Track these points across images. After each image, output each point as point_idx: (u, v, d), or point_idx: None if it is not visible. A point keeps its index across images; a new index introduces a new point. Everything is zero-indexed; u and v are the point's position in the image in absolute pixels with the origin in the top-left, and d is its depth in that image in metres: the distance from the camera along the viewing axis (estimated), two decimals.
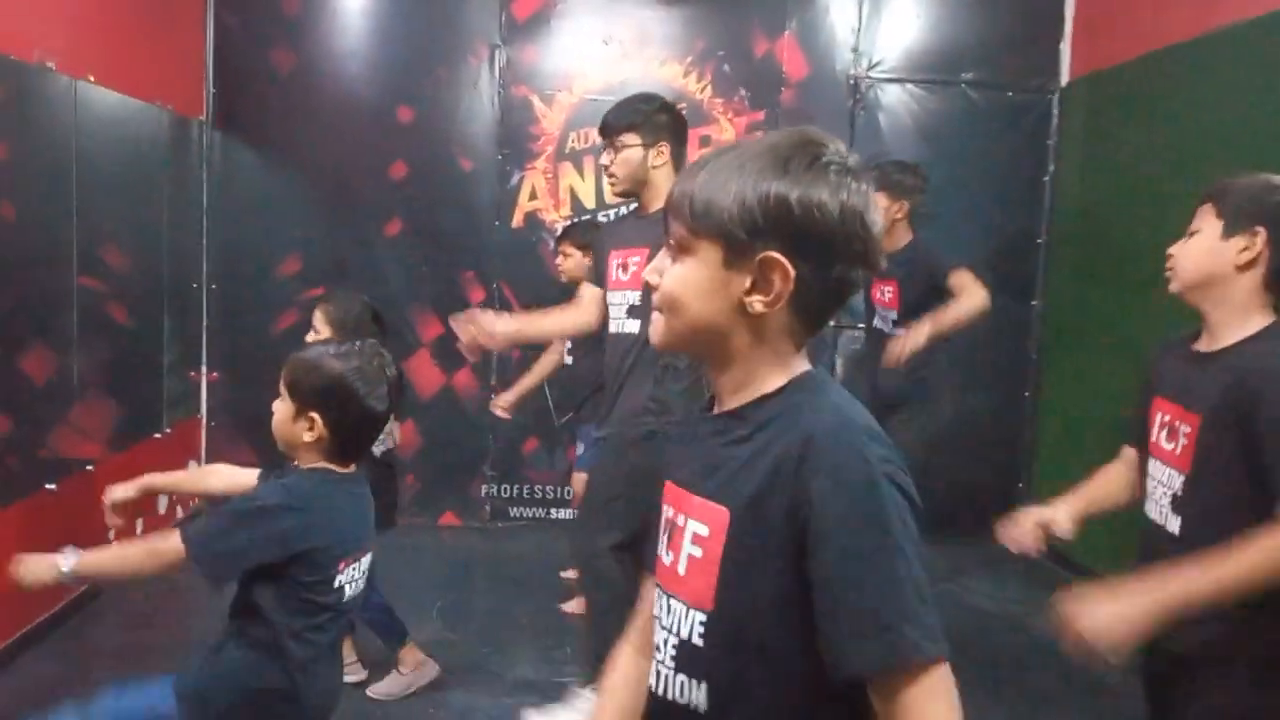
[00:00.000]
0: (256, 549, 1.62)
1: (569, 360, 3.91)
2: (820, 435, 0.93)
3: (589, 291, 2.93)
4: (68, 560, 1.69)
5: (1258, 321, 1.65)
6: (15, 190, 3.41)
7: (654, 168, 2.74)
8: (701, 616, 0.99)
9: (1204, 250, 1.68)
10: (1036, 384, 5.00)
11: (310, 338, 2.91)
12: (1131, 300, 4.03)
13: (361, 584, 1.80)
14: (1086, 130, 4.72)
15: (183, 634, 3.40)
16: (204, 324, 4.81)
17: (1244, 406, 1.56)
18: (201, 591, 2.85)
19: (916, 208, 3.73)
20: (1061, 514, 1.84)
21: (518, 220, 4.91)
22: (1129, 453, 1.90)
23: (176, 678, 1.73)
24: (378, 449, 3.06)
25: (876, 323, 3.92)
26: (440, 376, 4.94)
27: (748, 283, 0.96)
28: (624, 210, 4.13)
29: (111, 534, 3.90)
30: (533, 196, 4.91)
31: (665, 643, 1.03)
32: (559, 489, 4.91)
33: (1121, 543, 1.84)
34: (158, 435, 4.29)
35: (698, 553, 0.99)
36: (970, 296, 3.48)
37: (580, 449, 3.94)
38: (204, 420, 4.88)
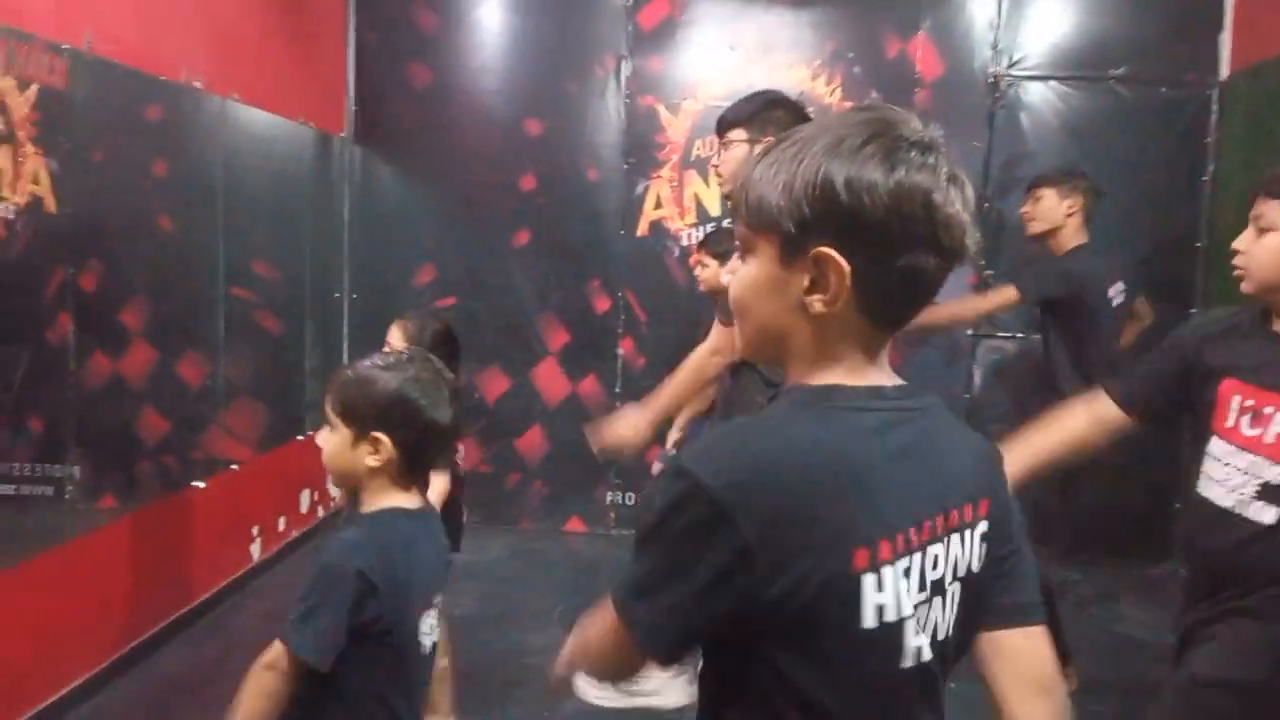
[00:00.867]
0: (347, 615, 1.47)
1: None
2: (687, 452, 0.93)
3: (716, 336, 2.84)
4: None
5: None
6: (173, 205, 3.62)
7: None
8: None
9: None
10: None
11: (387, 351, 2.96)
12: None
13: (437, 634, 1.65)
14: (1248, 127, 4.39)
15: None
16: (344, 331, 4.99)
17: None
18: None
19: (1089, 209, 3.46)
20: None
21: (643, 229, 4.91)
22: (1101, 409, 1.87)
23: None
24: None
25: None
26: (567, 384, 4.98)
27: (806, 281, 0.88)
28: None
29: (256, 532, 4.09)
30: (658, 205, 4.90)
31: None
32: None
33: None
34: (300, 438, 4.47)
35: None
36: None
37: None
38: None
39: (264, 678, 1.49)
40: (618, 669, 0.97)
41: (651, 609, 0.87)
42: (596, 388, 4.97)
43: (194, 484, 3.57)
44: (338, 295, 4.92)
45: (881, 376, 0.94)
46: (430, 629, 1.61)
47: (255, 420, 4.10)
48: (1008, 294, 3.42)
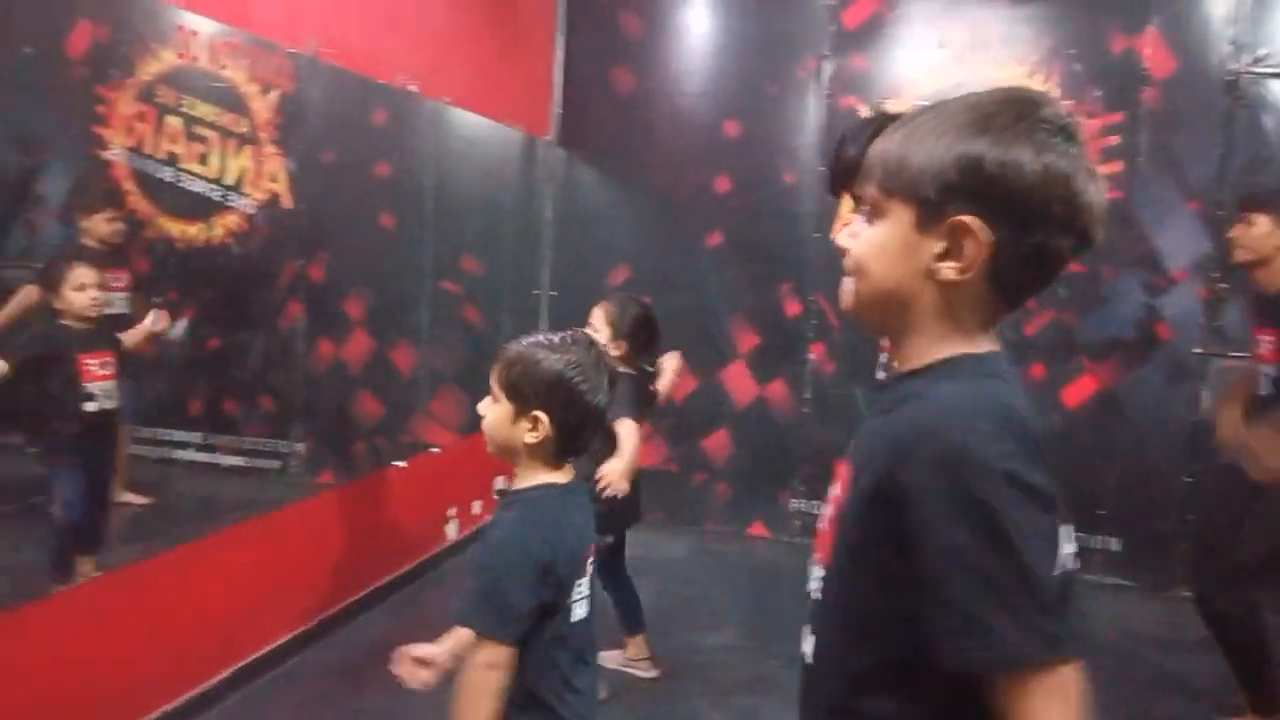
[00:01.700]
0: (532, 591, 1.51)
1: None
2: (925, 425, 0.86)
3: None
4: None
5: None
6: (391, 203, 3.87)
7: None
8: (821, 571, 0.99)
9: None
10: None
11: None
12: None
13: (587, 598, 1.66)
14: None
15: None
16: (542, 327, 5.18)
17: None
18: None
19: None
20: None
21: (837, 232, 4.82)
22: None
23: None
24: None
25: (1263, 386, 3.12)
26: (755, 387, 4.96)
27: (939, 248, 0.90)
28: None
29: (453, 513, 4.30)
30: (854, 209, 4.80)
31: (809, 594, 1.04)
32: None
33: None
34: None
35: (829, 510, 1.00)
36: None
37: None
38: None
39: (488, 678, 1.50)
40: None
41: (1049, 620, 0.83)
42: (785, 392, 4.93)
43: (396, 463, 3.79)
44: (537, 292, 5.11)
45: (991, 346, 0.96)
46: (582, 594, 1.64)
47: (456, 407, 4.31)
48: None
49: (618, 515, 2.95)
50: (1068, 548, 0.86)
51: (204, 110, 4.12)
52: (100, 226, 3.37)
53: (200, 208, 4.18)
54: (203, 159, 4.18)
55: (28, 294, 3.19)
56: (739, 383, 4.99)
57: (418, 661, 1.66)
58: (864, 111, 4.73)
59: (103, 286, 2.83)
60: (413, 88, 3.70)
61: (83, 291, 2.75)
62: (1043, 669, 0.82)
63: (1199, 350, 4.35)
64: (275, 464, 4.15)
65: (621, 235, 5.10)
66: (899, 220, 0.92)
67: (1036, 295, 0.95)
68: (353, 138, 3.93)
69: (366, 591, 3.67)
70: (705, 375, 4.97)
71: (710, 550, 4.71)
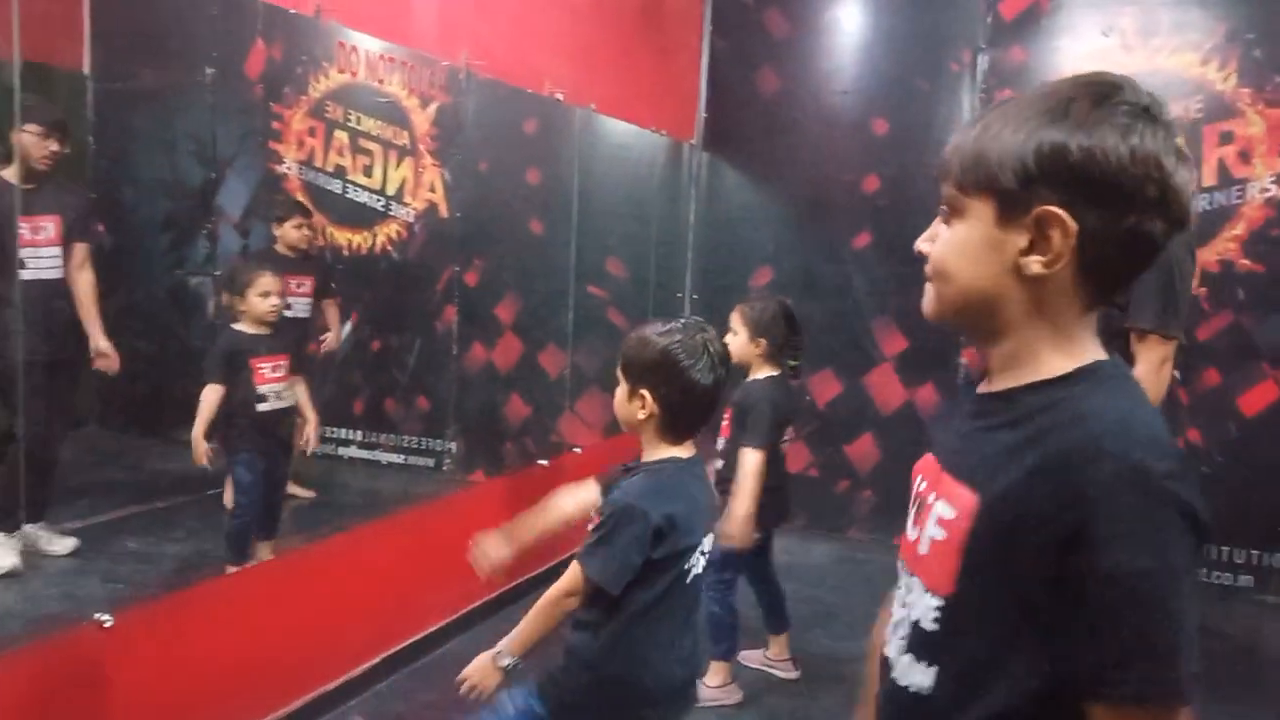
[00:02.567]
0: (640, 549, 1.66)
1: None
2: (1102, 439, 0.81)
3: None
4: (503, 657, 1.76)
5: None
6: (540, 210, 3.98)
7: None
8: (938, 601, 0.92)
9: None
10: None
11: (728, 338, 3.01)
12: None
13: (699, 567, 1.80)
14: None
15: None
16: None
17: None
18: None
19: None
20: None
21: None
22: None
23: (540, 670, 1.80)
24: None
25: None
26: (903, 392, 4.85)
27: (1024, 242, 0.86)
28: None
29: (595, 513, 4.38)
30: None
31: (902, 620, 0.97)
32: None
33: None
34: None
35: (940, 535, 0.92)
36: None
37: None
38: None
39: (564, 603, 1.73)
40: None
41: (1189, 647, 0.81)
42: (934, 397, 4.79)
43: (539, 462, 3.89)
44: (680, 295, 5.15)
45: (1098, 350, 0.90)
46: (696, 562, 1.78)
47: (600, 408, 4.40)
48: None
49: (765, 512, 2.95)
50: None
51: (368, 124, 4.36)
52: (290, 233, 3.61)
53: (364, 217, 4.42)
54: (367, 171, 4.42)
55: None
56: (885, 387, 4.88)
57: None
58: None
59: (283, 293, 3.01)
60: (560, 96, 3.80)
61: (265, 298, 2.93)
62: (1177, 707, 0.80)
63: None
64: (429, 461, 4.34)
65: (765, 237, 5.08)
66: (979, 217, 0.88)
67: (1130, 283, 0.90)
68: (504, 147, 4.07)
69: (512, 585, 3.78)
70: (849, 379, 4.89)
71: (853, 558, 4.63)
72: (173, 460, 4.30)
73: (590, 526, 1.74)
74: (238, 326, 2.98)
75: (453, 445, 4.18)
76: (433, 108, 4.17)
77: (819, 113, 4.93)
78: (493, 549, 1.88)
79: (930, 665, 0.93)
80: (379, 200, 4.41)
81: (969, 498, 0.89)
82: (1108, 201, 0.83)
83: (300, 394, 3.15)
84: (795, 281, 4.90)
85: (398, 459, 4.43)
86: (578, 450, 4.17)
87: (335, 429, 4.53)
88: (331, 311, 4.01)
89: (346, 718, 2.88)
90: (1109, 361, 0.90)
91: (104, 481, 3.75)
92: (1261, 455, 4.11)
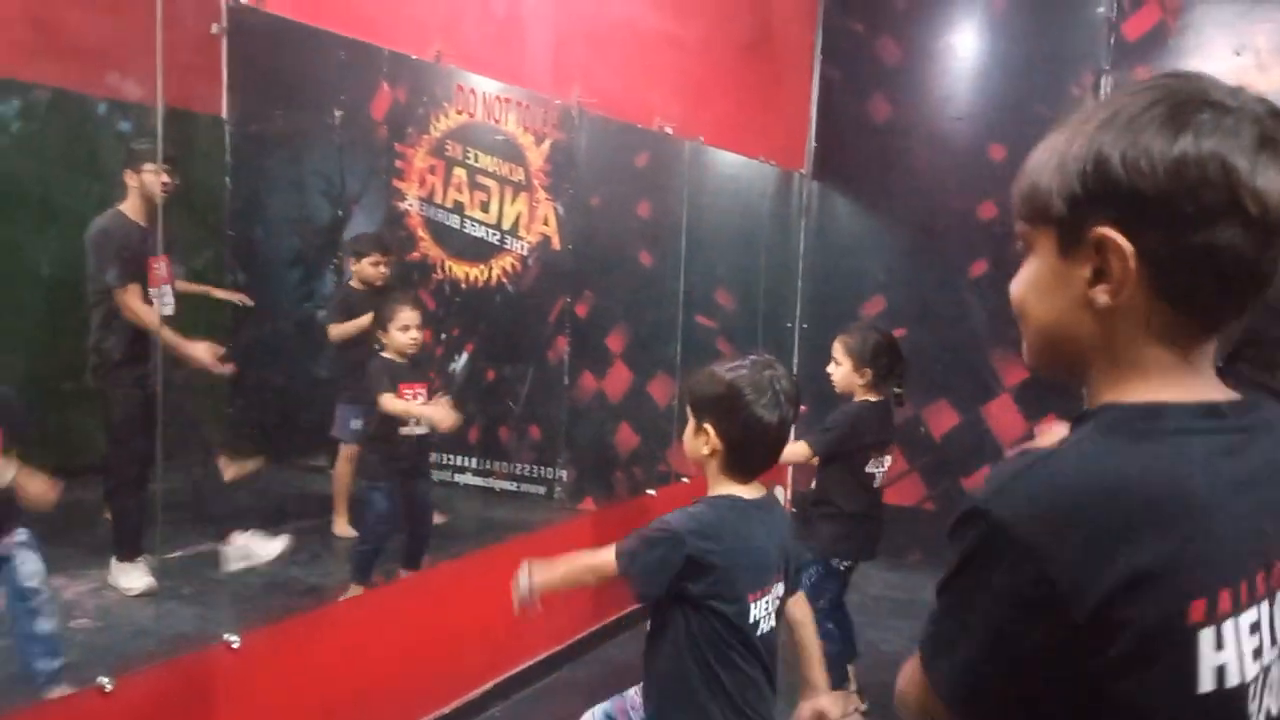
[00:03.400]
0: (667, 568, 1.63)
1: None
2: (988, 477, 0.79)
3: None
4: (525, 579, 1.80)
5: None
6: (650, 242, 4.03)
7: None
8: None
9: None
10: None
11: (830, 368, 3.00)
12: None
13: (774, 620, 1.74)
14: None
15: None
16: (794, 360, 5.17)
17: None
18: None
19: None
20: None
21: None
22: None
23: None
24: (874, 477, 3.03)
25: None
26: (1024, 423, 4.69)
27: (1088, 271, 0.76)
28: None
29: None
30: None
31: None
32: None
33: None
34: None
35: None
36: None
37: None
38: None
39: (585, 576, 1.84)
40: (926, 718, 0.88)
41: (952, 662, 0.79)
42: (1060, 429, 4.61)
43: (648, 491, 3.91)
44: (789, 325, 5.11)
45: (1209, 387, 0.79)
46: (765, 614, 1.71)
47: None
48: None
49: (850, 542, 2.93)
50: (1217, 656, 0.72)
51: (486, 161, 4.50)
52: (366, 269, 3.74)
53: (481, 251, 4.55)
54: (484, 206, 4.56)
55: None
56: (1005, 418, 4.73)
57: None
58: None
59: (421, 327, 3.13)
60: (669, 130, 3.85)
61: (405, 331, 3.07)
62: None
63: None
64: (541, 489, 4.41)
65: (876, 266, 5.01)
66: (1044, 250, 0.81)
67: (1239, 305, 0.77)
68: (615, 180, 4.14)
69: (619, 615, 3.80)
70: (966, 410, 4.76)
71: None
72: (299, 485, 4.50)
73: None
74: (384, 355, 3.12)
75: (563, 474, 4.24)
76: (547, 144, 4.28)
77: (932, 140, 4.86)
78: (532, 576, 1.83)
79: None
80: (495, 234, 4.54)
81: None
82: (1162, 217, 0.73)
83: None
84: (908, 311, 4.82)
85: (510, 486, 4.51)
86: (685, 480, 4.17)
87: (451, 456, 4.66)
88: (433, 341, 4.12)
89: None
90: (1126, 407, 0.78)
91: (235, 506, 3.93)
92: None
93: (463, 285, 4.65)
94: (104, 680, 1.90)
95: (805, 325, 5.17)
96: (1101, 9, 4.48)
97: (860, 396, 3.00)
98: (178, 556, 3.37)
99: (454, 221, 4.63)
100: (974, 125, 4.77)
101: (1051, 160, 0.79)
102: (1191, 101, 0.74)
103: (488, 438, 4.65)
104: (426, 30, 2.77)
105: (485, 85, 3.88)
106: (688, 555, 1.62)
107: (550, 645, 3.41)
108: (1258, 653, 0.75)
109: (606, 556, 1.71)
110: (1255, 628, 0.74)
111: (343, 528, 3.81)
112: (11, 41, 3.71)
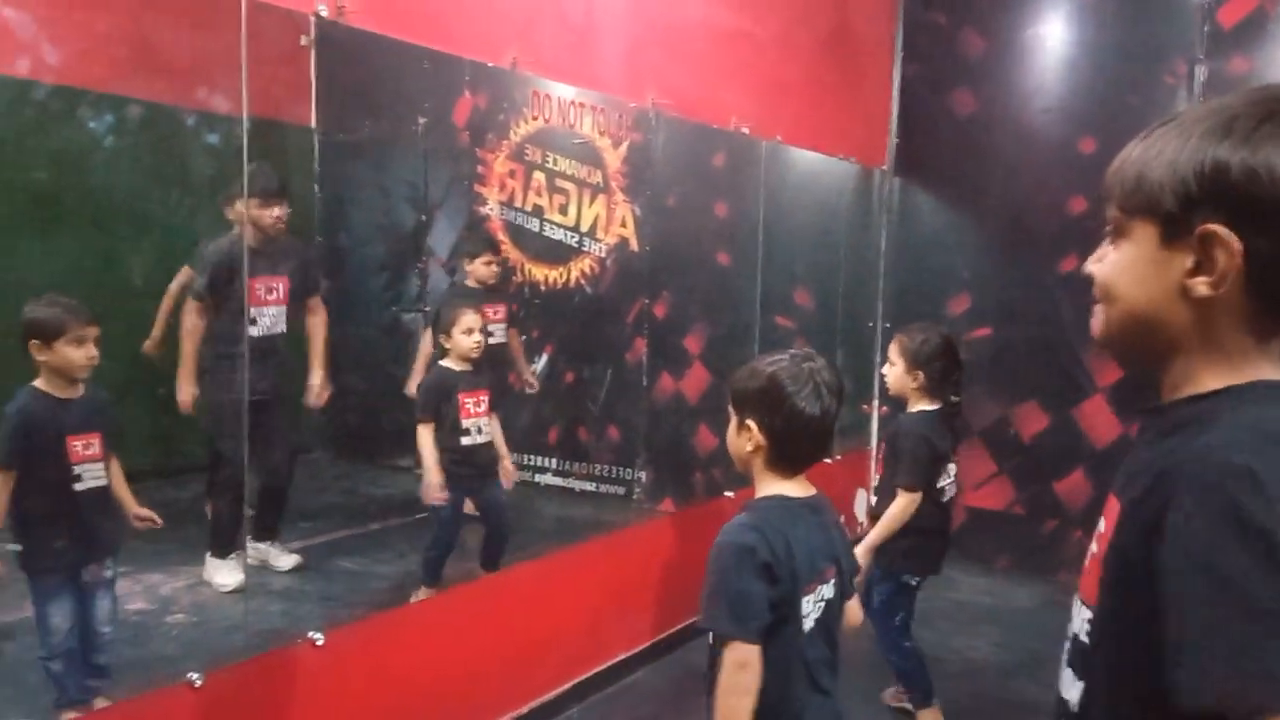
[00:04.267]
0: (756, 579, 1.55)
1: None
2: (1195, 462, 0.78)
3: None
4: None
5: None
6: (727, 242, 4.02)
7: None
8: (1087, 613, 0.91)
9: None
10: None
11: (885, 369, 2.92)
12: None
13: (819, 614, 1.67)
14: None
15: None
16: (875, 360, 5.09)
17: None
18: None
19: None
20: None
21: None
22: None
23: None
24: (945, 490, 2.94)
25: None
26: (1118, 425, 4.53)
27: (1189, 263, 0.82)
28: None
29: None
30: None
31: (1069, 634, 0.96)
32: None
33: None
34: (828, 461, 4.65)
35: (1094, 548, 0.92)
36: None
37: None
38: (873, 451, 5.16)
39: (740, 678, 1.54)
40: None
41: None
42: None
43: (725, 494, 3.88)
44: (871, 324, 5.04)
45: (1273, 371, 0.85)
46: (814, 608, 1.65)
47: None
48: None
49: (917, 558, 2.87)
50: None
51: (564, 165, 4.54)
52: (480, 269, 3.81)
53: (559, 253, 4.59)
54: (563, 209, 4.60)
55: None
56: (1098, 420, 4.57)
57: None
58: None
59: (485, 331, 3.14)
60: (745, 130, 3.83)
61: (469, 335, 3.06)
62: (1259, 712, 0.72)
63: None
64: (620, 490, 4.43)
65: (961, 263, 4.90)
66: (1143, 238, 0.86)
67: None
68: (692, 181, 4.13)
69: (697, 617, 3.79)
70: (1057, 412, 4.62)
71: (1063, 602, 4.33)
72: (385, 485, 4.61)
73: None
74: (445, 363, 3.13)
75: (642, 474, 4.25)
76: (624, 147, 4.29)
77: (1019, 133, 4.72)
78: None
79: (1079, 679, 0.93)
80: (573, 236, 4.58)
81: (1115, 509, 0.88)
82: (1274, 224, 0.79)
83: (495, 430, 3.24)
84: (995, 309, 4.70)
85: (590, 487, 4.54)
86: None
87: (532, 456, 4.71)
88: (515, 341, 4.18)
89: None
90: (1266, 383, 0.84)
91: (324, 505, 4.05)
92: None
93: (542, 287, 4.70)
94: (194, 676, 1.96)
95: (888, 325, 5.09)
96: None
97: (913, 402, 2.90)
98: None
99: (533, 225, 4.69)
100: (1062, 117, 4.63)
101: (1162, 157, 0.84)
102: None
103: (567, 438, 4.69)
104: (502, 38, 2.81)
105: (561, 90, 3.92)
106: (762, 562, 1.56)
107: (627, 647, 3.42)
108: None
109: (735, 656, 1.54)
110: None
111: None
112: (109, 58, 3.88)
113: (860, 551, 2.77)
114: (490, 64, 2.89)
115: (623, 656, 3.38)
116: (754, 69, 3.95)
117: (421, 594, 3.05)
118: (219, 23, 1.96)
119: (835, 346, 4.74)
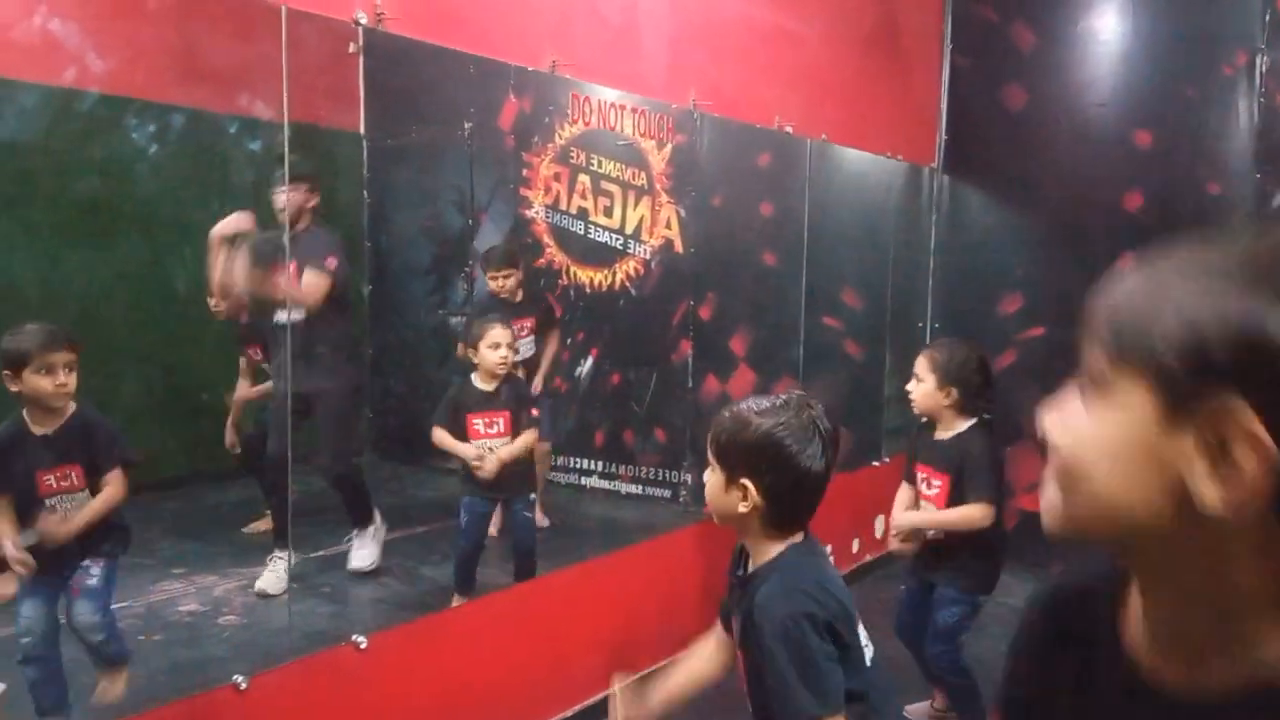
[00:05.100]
0: (828, 650, 1.45)
1: None
2: None
3: None
4: None
5: None
6: (772, 242, 3.98)
7: None
8: None
9: None
10: None
11: (911, 385, 2.80)
12: None
13: (870, 643, 1.58)
14: None
15: None
16: None
17: None
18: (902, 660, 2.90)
19: None
20: None
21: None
22: None
23: None
24: None
25: None
26: None
27: (1194, 452, 0.57)
28: None
29: (829, 550, 4.29)
30: None
31: None
32: None
33: None
34: (876, 464, 4.59)
35: None
36: None
37: None
38: (881, 466, 5.06)
39: None
40: None
41: None
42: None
43: None
44: (920, 324, 4.96)
45: None
46: (867, 638, 1.55)
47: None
48: None
49: (978, 579, 2.79)
50: None
51: (609, 167, 4.54)
52: (494, 285, 3.80)
53: (604, 256, 4.60)
54: (607, 211, 4.60)
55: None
56: None
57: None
58: None
59: (513, 344, 3.09)
60: (789, 129, 3.79)
61: (495, 350, 3.01)
62: None
63: None
64: (666, 493, 4.42)
65: (1013, 262, 4.80)
66: (1132, 405, 0.60)
67: None
68: (736, 182, 4.11)
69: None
70: None
71: None
72: (432, 488, 4.65)
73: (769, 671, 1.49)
74: (472, 378, 3.08)
75: (688, 477, 4.23)
76: (668, 148, 4.28)
77: (1072, 128, 4.62)
78: (625, 708, 1.65)
79: None
80: (618, 239, 4.58)
81: None
82: None
83: (518, 448, 3.09)
84: (1048, 309, 4.59)
85: (636, 490, 4.54)
86: None
87: (577, 459, 4.72)
88: (551, 346, 4.16)
89: None
90: None
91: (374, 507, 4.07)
92: None
93: (587, 290, 4.71)
94: (239, 678, 1.99)
95: (937, 325, 5.01)
96: None
97: (946, 421, 2.78)
98: (318, 556, 3.54)
99: (578, 227, 4.70)
100: (1117, 111, 4.52)
101: (1173, 295, 0.60)
102: None
103: (613, 441, 4.68)
104: (543, 42, 2.81)
105: (608, 94, 3.92)
106: (824, 623, 1.46)
107: (673, 652, 3.38)
108: None
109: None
110: None
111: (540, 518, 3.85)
112: (153, 67, 3.98)
113: (915, 519, 2.73)
114: (530, 68, 2.89)
115: (667, 661, 3.35)
116: (797, 66, 3.91)
117: (455, 601, 3.04)
118: (259, 32, 1.99)
119: (883, 348, 4.68)
